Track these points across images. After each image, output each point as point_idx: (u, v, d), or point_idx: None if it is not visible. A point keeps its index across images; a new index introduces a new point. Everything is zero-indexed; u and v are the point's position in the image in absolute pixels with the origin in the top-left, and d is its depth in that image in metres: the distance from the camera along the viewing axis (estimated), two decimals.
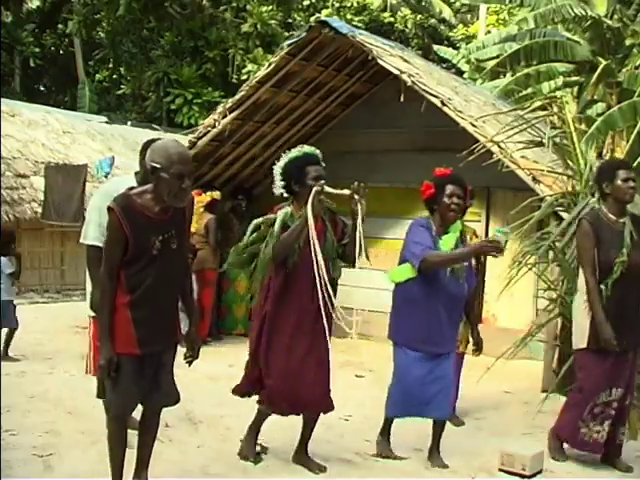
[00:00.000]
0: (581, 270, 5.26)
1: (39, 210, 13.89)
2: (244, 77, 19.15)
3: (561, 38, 17.59)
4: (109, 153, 15.56)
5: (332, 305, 4.62)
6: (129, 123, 19.99)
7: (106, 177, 13.63)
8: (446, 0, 27.73)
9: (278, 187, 4.88)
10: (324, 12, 22.64)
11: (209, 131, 9.14)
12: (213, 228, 9.05)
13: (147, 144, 5.18)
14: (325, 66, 9.05)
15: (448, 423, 5.41)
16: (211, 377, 7.07)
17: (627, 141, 16.00)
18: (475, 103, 8.60)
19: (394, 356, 5.17)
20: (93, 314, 5.08)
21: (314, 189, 4.62)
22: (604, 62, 17.61)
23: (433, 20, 26.99)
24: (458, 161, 6.09)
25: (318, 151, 4.97)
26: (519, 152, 7.14)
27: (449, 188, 5.03)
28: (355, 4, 24.04)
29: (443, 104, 7.47)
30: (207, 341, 8.68)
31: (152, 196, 3.94)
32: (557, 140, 7.27)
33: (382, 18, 25.88)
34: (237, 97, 8.94)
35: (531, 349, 7.20)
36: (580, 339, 5.23)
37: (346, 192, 4.64)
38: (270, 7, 21.74)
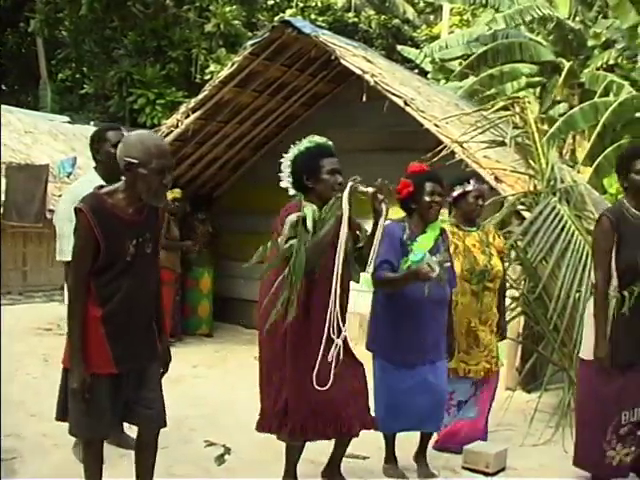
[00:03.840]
0: (593, 273, 4.77)
1: (0, 211, 13.73)
2: (207, 77, 19.06)
3: (525, 39, 17.77)
4: (71, 153, 15.43)
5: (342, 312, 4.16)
6: (92, 123, 19.81)
7: (68, 177, 13.55)
8: (410, 0, 27.87)
9: (286, 182, 4.47)
10: (288, 12, 22.63)
11: (172, 131, 9.10)
12: (172, 227, 9.01)
13: (96, 135, 5.04)
14: (288, 66, 9.04)
15: None
16: (175, 378, 7.02)
17: (588, 141, 16.24)
18: (438, 103, 8.64)
19: (375, 369, 4.83)
20: None
21: (349, 185, 4.11)
22: (567, 63, 17.82)
23: (397, 20, 27.08)
24: (421, 161, 6.10)
25: (330, 142, 4.51)
26: (482, 152, 7.17)
27: (429, 185, 4.76)
28: (319, 4, 24.06)
29: (406, 104, 7.49)
30: (170, 342, 8.62)
31: (125, 195, 3.58)
32: (519, 140, 7.33)
33: (346, 18, 25.93)
34: (200, 97, 8.91)
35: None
36: (587, 350, 4.70)
37: (370, 190, 4.16)
38: (234, 7, 21.67)
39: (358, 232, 4.40)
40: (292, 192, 4.46)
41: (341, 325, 4.12)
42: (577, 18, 18.33)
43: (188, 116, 8.94)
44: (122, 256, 3.54)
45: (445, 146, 7.08)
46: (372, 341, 4.86)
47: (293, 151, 4.46)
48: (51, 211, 12.30)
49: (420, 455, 5.04)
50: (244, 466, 4.97)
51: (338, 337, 4.13)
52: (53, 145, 16.46)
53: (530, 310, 6.59)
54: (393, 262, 4.66)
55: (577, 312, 6.36)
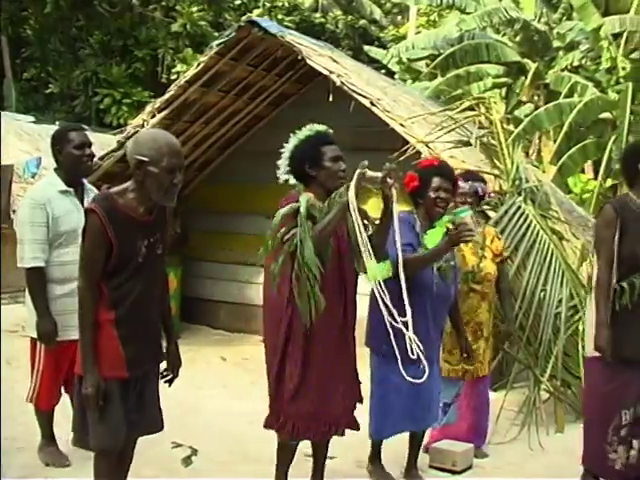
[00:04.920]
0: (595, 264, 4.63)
1: None
2: (174, 77, 18.96)
3: (491, 40, 17.90)
4: (37, 153, 15.25)
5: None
6: (57, 123, 19.60)
7: (33, 178, 13.40)
8: (377, 1, 27.93)
9: (285, 172, 4.35)
10: (255, 12, 22.54)
11: (137, 131, 9.01)
12: None
13: (59, 135, 4.91)
14: (254, 66, 9.01)
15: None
16: None
17: (554, 141, 16.39)
18: (404, 103, 8.66)
19: (373, 366, 4.73)
20: (35, 335, 4.70)
21: (358, 171, 3.97)
22: (532, 64, 17.99)
23: (364, 21, 27.10)
24: (387, 161, 6.11)
25: (330, 130, 4.42)
26: (447, 152, 7.21)
27: (436, 181, 4.63)
28: (286, 4, 24.00)
29: (372, 104, 7.50)
30: None
31: (136, 195, 3.50)
32: (485, 140, 7.38)
33: (313, 18, 25.89)
34: (166, 97, 8.86)
35: None
36: (590, 346, 4.56)
37: (379, 175, 4.00)
38: (200, 7, 21.59)
39: (366, 221, 4.18)
40: (292, 181, 4.36)
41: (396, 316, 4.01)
42: (542, 20, 18.52)
43: (154, 116, 8.87)
44: (134, 257, 3.48)
45: (411, 146, 7.12)
46: (371, 337, 4.71)
47: (292, 140, 4.36)
48: (15, 211, 12.17)
49: (412, 465, 4.96)
50: (211, 467, 4.95)
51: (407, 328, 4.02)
52: (18, 145, 16.25)
53: (496, 309, 6.63)
54: (415, 246, 4.56)
55: (542, 311, 6.42)
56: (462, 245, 5.00)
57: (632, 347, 4.44)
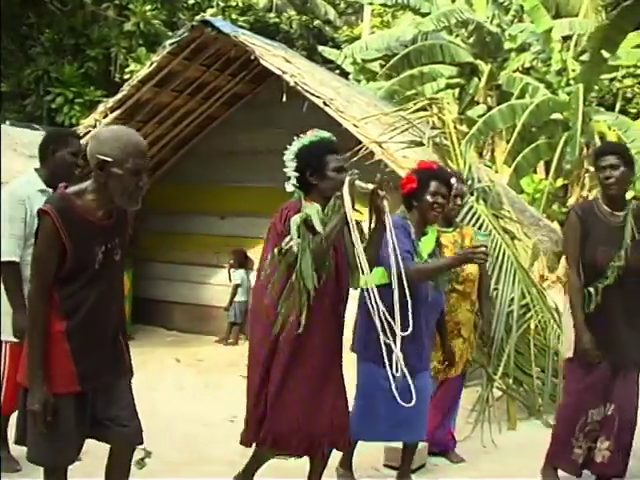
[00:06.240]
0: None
1: None
2: (127, 76, 18.78)
3: (444, 41, 18.04)
4: None
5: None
6: (8, 122, 19.36)
7: None
8: (331, 1, 27.97)
9: (293, 178, 4.16)
10: (209, 11, 22.42)
11: (90, 131, 8.92)
12: None
13: (57, 137, 4.81)
14: (208, 66, 8.99)
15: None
16: None
17: (507, 142, 16.57)
18: (358, 104, 8.68)
19: (360, 372, 4.59)
20: (10, 338, 4.53)
21: (347, 179, 3.88)
22: (485, 65, 18.16)
23: (318, 21, 27.14)
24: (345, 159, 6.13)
25: (334, 138, 4.25)
26: (400, 152, 7.24)
27: (434, 185, 4.50)
28: (240, 4, 23.90)
29: (325, 104, 7.52)
30: None
31: (95, 196, 3.23)
32: (437, 140, 7.43)
33: (267, 18, 25.85)
34: (118, 96, 8.78)
35: None
36: (567, 347, 4.71)
37: (370, 186, 3.93)
38: (154, 6, 21.44)
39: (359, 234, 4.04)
40: (290, 189, 4.19)
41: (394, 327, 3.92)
42: (494, 22, 18.70)
43: (106, 116, 8.79)
44: (90, 264, 3.21)
45: (364, 146, 7.14)
46: (359, 343, 4.58)
47: (296, 144, 4.20)
48: None
49: (406, 475, 4.87)
50: (165, 469, 4.90)
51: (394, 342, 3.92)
52: None
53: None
54: (413, 253, 4.43)
55: (495, 309, 6.47)
56: (442, 247, 4.95)
57: (598, 349, 4.51)
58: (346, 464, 4.86)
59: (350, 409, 4.33)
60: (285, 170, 4.21)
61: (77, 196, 3.23)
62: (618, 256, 4.48)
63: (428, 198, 4.49)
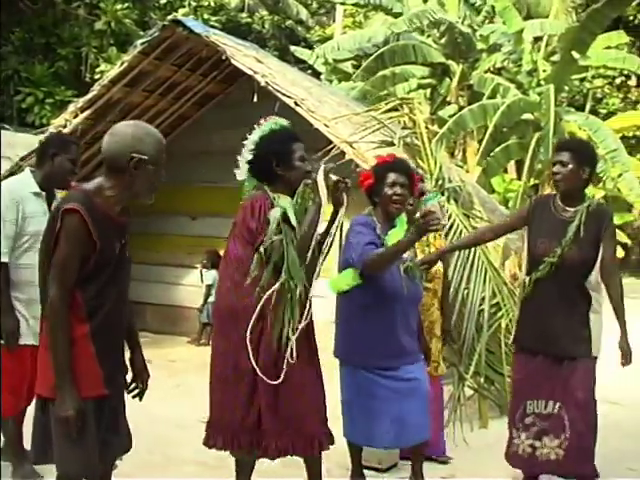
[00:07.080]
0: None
1: None
2: (98, 76, 18.68)
3: (416, 42, 18.09)
4: None
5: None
6: None
7: None
8: (303, 1, 27.99)
9: (245, 170, 4.03)
10: (181, 11, 22.35)
11: (60, 131, 8.89)
12: None
13: (59, 141, 4.81)
14: (179, 65, 8.97)
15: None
16: None
17: (478, 142, 16.63)
18: (329, 104, 8.69)
19: (344, 378, 4.51)
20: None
21: (322, 168, 3.80)
22: (457, 65, 18.25)
23: (290, 21, 27.16)
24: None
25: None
26: (371, 152, 7.26)
27: (391, 177, 4.40)
28: (212, 4, 23.83)
29: (296, 104, 7.51)
30: None
31: (113, 192, 3.16)
32: (408, 140, 7.45)
33: (239, 18, 25.83)
34: (89, 96, 8.73)
35: None
36: (597, 349, 4.57)
37: (333, 178, 3.84)
38: (125, 5, 21.33)
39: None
40: (248, 180, 4.05)
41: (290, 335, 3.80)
42: (466, 22, 18.79)
43: (77, 116, 8.74)
44: (112, 261, 3.16)
45: (335, 146, 7.15)
46: (340, 347, 4.51)
47: (257, 133, 4.08)
48: None
49: (417, 474, 4.78)
50: (136, 471, 4.88)
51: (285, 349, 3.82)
52: None
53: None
54: (378, 245, 4.27)
55: (465, 308, 6.51)
56: None
57: (531, 337, 4.61)
58: (357, 473, 4.81)
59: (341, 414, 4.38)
60: (239, 159, 4.10)
61: (95, 193, 3.14)
62: (554, 252, 4.46)
63: (387, 190, 4.41)
